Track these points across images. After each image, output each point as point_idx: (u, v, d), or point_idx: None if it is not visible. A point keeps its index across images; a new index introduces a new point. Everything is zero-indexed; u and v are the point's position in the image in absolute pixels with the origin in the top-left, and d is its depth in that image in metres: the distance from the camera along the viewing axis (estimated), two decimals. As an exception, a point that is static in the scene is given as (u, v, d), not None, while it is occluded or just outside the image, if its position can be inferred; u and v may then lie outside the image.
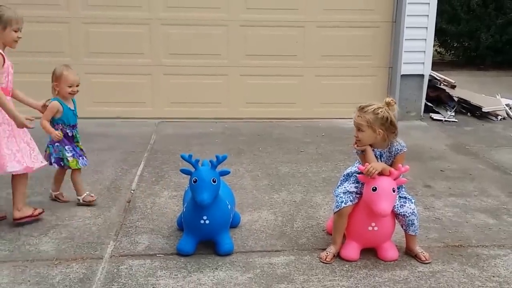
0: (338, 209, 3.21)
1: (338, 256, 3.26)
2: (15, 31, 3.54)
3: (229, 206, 3.32)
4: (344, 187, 3.27)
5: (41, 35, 6.36)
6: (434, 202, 4.22)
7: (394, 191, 3.06)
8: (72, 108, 3.95)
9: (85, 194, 4.03)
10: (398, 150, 3.18)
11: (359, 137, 3.17)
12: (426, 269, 3.16)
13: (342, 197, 3.21)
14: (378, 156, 3.19)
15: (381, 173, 3.10)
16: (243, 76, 6.82)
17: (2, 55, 3.50)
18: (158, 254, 3.29)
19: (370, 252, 3.30)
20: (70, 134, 3.93)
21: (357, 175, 3.21)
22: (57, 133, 3.81)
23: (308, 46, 6.87)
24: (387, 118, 3.10)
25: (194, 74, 6.72)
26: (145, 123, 6.50)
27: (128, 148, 5.46)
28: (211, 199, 3.08)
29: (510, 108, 7.57)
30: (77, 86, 3.89)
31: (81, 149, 4.02)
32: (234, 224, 3.61)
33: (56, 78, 3.84)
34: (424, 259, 3.23)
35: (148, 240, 3.47)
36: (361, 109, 3.14)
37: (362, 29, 6.89)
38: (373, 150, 3.18)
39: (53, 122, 3.87)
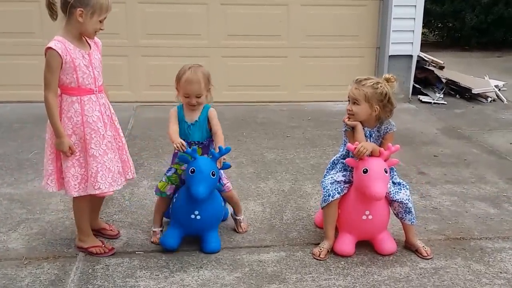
0: (325, 203, 2.99)
1: (332, 251, 3.04)
2: (101, 21, 2.82)
3: (222, 203, 3.08)
4: (331, 177, 3.04)
5: (19, 15, 6.07)
6: (430, 190, 4.03)
7: (386, 172, 2.85)
8: (190, 120, 3.07)
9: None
10: (387, 129, 3.00)
11: (353, 111, 2.96)
12: (428, 265, 2.95)
13: (329, 189, 2.99)
14: (368, 136, 3.00)
15: (370, 154, 2.89)
16: (224, 58, 6.54)
17: (58, 52, 2.72)
18: (138, 251, 3.05)
19: (366, 246, 3.08)
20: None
21: (343, 160, 3.00)
22: (178, 142, 2.90)
23: (292, 25, 6.61)
24: (385, 94, 2.92)
25: (174, 55, 6.39)
26: (123, 107, 6.14)
27: (104, 134, 5.16)
28: (208, 193, 2.83)
29: (500, 89, 7.43)
30: (198, 97, 3.03)
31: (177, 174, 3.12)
32: (224, 218, 3.37)
33: (176, 79, 3.10)
34: (426, 254, 3.02)
35: (126, 235, 3.23)
36: (359, 82, 2.95)
37: (348, 8, 6.65)
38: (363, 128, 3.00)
39: None
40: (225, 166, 2.96)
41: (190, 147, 2.93)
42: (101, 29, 2.85)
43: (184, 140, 3.02)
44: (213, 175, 2.85)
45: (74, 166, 2.84)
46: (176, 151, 2.98)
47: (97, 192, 2.85)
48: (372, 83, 2.92)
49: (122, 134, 3.07)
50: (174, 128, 3.04)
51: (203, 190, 2.80)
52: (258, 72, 6.61)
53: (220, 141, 3.01)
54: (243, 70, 6.59)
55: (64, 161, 2.85)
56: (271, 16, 6.54)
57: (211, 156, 2.92)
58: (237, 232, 3.28)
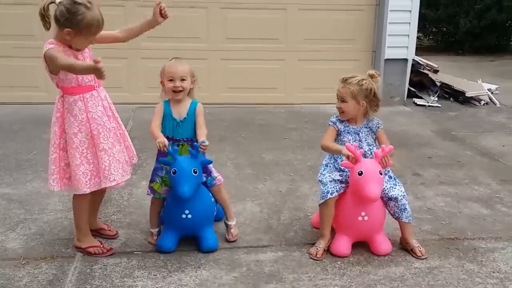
0: (323, 199, 3.04)
1: (328, 251, 3.08)
2: (91, 40, 2.81)
3: (212, 199, 3.11)
4: (330, 175, 3.09)
5: (19, 17, 6.10)
6: (425, 191, 4.07)
7: (381, 173, 2.89)
8: (178, 116, 3.03)
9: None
10: (378, 126, 3.13)
11: (342, 108, 3.08)
12: (423, 265, 2.99)
13: (328, 186, 3.03)
14: (357, 133, 3.10)
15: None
16: (223, 60, 6.60)
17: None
18: (136, 251, 3.07)
19: (362, 247, 3.12)
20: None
21: (340, 161, 3.05)
22: (161, 141, 2.89)
23: (290, 29, 6.68)
24: (371, 89, 3.04)
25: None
26: (121, 108, 6.14)
27: (103, 135, 5.17)
28: (193, 191, 2.87)
29: (492, 93, 7.50)
30: (182, 80, 2.99)
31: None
32: (220, 216, 3.38)
33: (160, 72, 3.04)
34: (420, 254, 3.05)
35: (124, 236, 3.25)
36: (345, 80, 3.08)
37: (345, 12, 6.73)
38: (348, 126, 3.11)
39: None
40: (206, 162, 2.99)
41: (171, 147, 2.94)
42: (91, 43, 2.86)
43: (172, 138, 3.03)
44: (195, 172, 2.87)
45: (83, 164, 2.85)
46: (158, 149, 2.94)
47: (113, 184, 2.90)
48: (357, 80, 3.03)
49: (120, 122, 3.10)
50: (157, 124, 3.03)
51: (187, 189, 2.83)
52: (256, 75, 6.66)
53: (202, 134, 2.98)
54: (241, 72, 6.64)
55: (72, 159, 2.84)
56: (269, 20, 6.60)
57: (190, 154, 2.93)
58: (227, 240, 3.18)
